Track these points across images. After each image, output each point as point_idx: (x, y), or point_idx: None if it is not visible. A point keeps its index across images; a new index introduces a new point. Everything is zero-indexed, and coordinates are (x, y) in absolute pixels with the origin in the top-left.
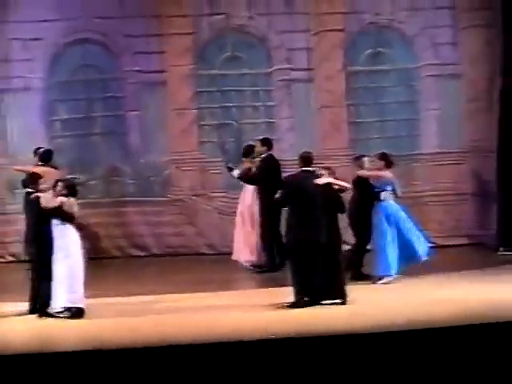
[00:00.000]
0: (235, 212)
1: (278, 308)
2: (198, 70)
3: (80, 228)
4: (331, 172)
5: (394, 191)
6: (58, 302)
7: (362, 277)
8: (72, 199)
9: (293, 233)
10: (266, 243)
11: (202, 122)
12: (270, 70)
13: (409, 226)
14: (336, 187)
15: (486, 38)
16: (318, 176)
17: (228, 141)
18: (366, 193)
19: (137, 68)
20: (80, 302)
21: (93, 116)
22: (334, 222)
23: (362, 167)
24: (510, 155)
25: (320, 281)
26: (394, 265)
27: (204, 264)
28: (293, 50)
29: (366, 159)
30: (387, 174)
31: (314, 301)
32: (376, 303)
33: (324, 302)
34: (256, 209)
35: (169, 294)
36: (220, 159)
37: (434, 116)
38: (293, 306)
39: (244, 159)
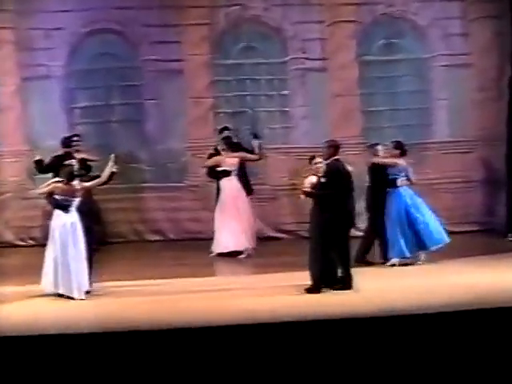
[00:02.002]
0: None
1: (292, 293)
2: (214, 60)
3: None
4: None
5: (408, 178)
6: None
7: (364, 262)
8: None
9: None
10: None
11: (218, 110)
12: (285, 59)
13: (425, 210)
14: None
15: (495, 28)
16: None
17: (243, 128)
18: (381, 179)
19: (154, 57)
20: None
21: (111, 104)
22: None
23: (376, 155)
24: None
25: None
26: (406, 249)
27: None
28: (307, 40)
29: (379, 147)
30: (402, 161)
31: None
32: (385, 288)
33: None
34: (242, 199)
35: (184, 277)
36: None
37: (444, 105)
38: (310, 290)
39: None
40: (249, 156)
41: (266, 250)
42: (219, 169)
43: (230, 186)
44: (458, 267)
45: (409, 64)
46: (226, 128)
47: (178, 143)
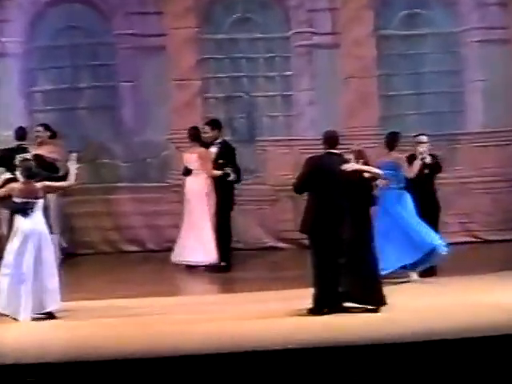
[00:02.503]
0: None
1: (294, 314)
2: (202, 34)
3: None
4: (360, 155)
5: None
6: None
7: None
8: None
9: (312, 226)
10: (222, 240)
11: (207, 95)
12: (288, 33)
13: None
14: (366, 175)
15: None
16: (346, 161)
17: (237, 116)
18: None
19: (131, 31)
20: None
21: (79, 87)
22: (361, 216)
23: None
24: None
25: (341, 283)
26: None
27: None
28: (315, 10)
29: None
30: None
31: (334, 306)
32: (409, 308)
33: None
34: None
35: (166, 296)
36: (228, 138)
37: (479, 88)
38: (312, 312)
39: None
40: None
41: (266, 263)
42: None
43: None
44: (498, 283)
45: (436, 39)
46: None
47: (158, 134)
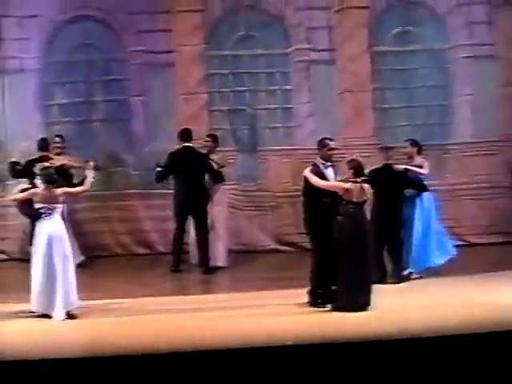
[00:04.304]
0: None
1: (293, 312)
2: (208, 51)
3: None
4: (352, 165)
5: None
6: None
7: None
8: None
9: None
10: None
11: (213, 108)
12: (288, 50)
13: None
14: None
15: None
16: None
17: (241, 128)
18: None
19: (141, 48)
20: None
21: (93, 100)
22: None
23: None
24: None
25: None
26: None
27: None
28: (313, 28)
29: None
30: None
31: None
32: (400, 308)
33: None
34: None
35: (175, 295)
36: (232, 148)
37: (467, 102)
38: (336, 309)
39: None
40: None
41: (267, 264)
42: None
43: None
44: (483, 284)
45: (427, 55)
46: None
47: (167, 144)
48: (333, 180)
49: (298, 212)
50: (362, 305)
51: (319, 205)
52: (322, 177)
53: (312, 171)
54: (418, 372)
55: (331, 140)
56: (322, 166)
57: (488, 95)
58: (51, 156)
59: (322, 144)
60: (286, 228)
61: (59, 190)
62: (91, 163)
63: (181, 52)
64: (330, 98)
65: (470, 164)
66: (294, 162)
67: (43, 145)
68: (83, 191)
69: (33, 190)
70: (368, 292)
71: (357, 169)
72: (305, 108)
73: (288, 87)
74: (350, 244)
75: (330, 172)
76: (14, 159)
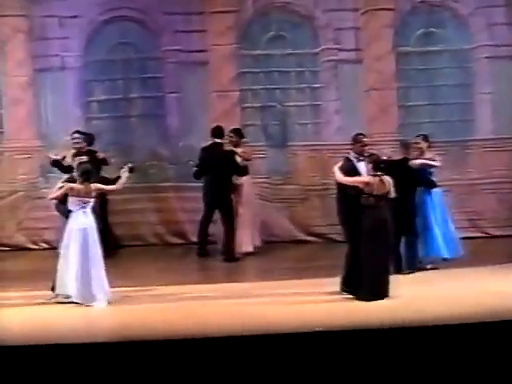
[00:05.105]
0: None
1: (321, 300)
2: (240, 50)
3: None
4: (373, 159)
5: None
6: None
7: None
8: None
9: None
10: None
11: (245, 105)
12: (317, 50)
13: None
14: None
15: None
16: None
17: (271, 124)
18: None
19: (177, 47)
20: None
21: (130, 97)
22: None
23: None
24: None
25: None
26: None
27: None
28: (340, 29)
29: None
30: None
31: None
32: (420, 296)
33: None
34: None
35: (207, 283)
36: (263, 143)
37: (488, 100)
38: (360, 297)
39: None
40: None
41: (296, 254)
42: None
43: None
44: (502, 273)
45: (449, 55)
46: None
47: (201, 140)
48: (364, 173)
49: (325, 204)
50: (383, 294)
51: (349, 198)
52: (355, 170)
53: (342, 166)
54: (440, 358)
55: (364, 136)
56: (354, 160)
57: (508, 94)
58: (95, 150)
59: (355, 139)
60: (314, 220)
61: (93, 186)
62: (128, 166)
63: (214, 51)
64: (356, 95)
65: (491, 159)
66: (322, 157)
67: (90, 140)
68: (114, 190)
69: (69, 185)
70: (387, 282)
71: (376, 162)
72: (332, 105)
73: (317, 85)
74: (372, 235)
75: (361, 166)
76: (53, 157)
